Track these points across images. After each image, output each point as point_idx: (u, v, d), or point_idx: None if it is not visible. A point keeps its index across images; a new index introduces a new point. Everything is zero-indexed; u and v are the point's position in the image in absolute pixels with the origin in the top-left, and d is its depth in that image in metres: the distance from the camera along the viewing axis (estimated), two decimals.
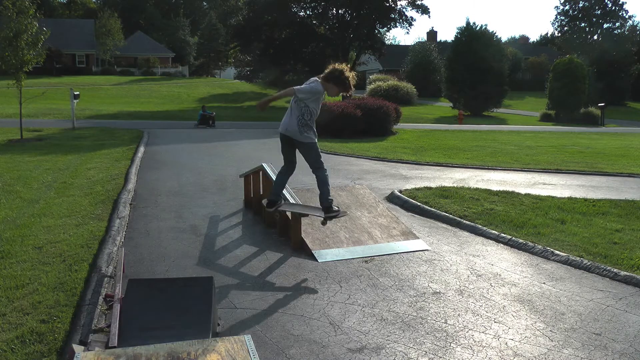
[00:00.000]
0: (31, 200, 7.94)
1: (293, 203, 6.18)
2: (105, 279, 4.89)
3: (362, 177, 10.64)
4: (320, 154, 5.80)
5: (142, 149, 13.59)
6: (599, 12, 63.84)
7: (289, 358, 3.76)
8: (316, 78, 5.60)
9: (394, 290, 5.00)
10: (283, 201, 6.06)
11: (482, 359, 3.82)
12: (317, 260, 5.72)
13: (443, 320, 4.40)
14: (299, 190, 7.74)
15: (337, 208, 5.84)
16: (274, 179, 6.19)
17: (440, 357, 3.83)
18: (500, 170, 12.13)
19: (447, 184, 9.78)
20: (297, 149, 5.78)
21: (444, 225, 7.27)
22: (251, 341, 2.83)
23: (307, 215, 6.00)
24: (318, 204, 5.89)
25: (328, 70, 5.61)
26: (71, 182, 9.31)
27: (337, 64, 5.71)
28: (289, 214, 6.40)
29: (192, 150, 14.32)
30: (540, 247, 6.22)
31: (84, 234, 6.16)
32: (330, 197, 5.76)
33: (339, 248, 6.05)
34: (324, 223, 5.94)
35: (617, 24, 63.56)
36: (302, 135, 5.56)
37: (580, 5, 64.69)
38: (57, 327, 3.96)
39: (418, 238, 6.52)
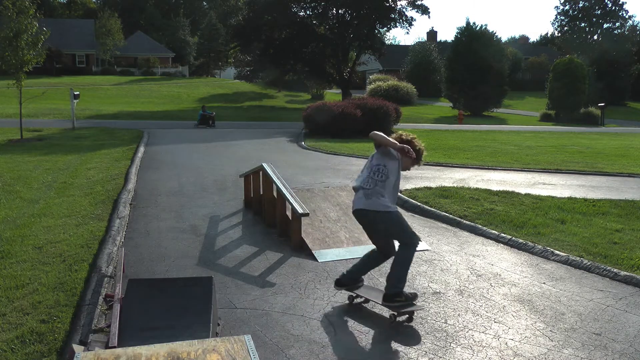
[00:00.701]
0: (31, 200, 7.93)
1: (369, 287, 4.88)
2: (105, 279, 4.89)
3: None
4: (409, 225, 4.41)
5: (142, 149, 13.59)
6: (599, 12, 63.82)
7: (289, 358, 3.76)
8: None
9: None
10: (362, 284, 4.71)
11: (482, 359, 3.81)
12: (317, 260, 5.72)
13: (443, 320, 4.40)
14: (298, 190, 7.74)
15: (408, 295, 4.34)
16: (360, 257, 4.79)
17: (440, 357, 3.82)
18: (500, 170, 12.13)
19: (447, 184, 9.78)
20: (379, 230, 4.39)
21: (444, 225, 7.27)
22: (251, 341, 2.83)
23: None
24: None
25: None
26: (71, 182, 9.31)
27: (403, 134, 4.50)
28: (289, 213, 6.40)
29: (192, 150, 14.32)
30: (540, 247, 6.22)
31: (84, 234, 6.16)
32: (401, 285, 4.30)
33: (339, 248, 6.06)
34: (391, 319, 4.31)
35: (617, 24, 63.56)
36: (370, 199, 4.22)
37: (580, 5, 64.66)
38: (57, 327, 3.96)
39: None
